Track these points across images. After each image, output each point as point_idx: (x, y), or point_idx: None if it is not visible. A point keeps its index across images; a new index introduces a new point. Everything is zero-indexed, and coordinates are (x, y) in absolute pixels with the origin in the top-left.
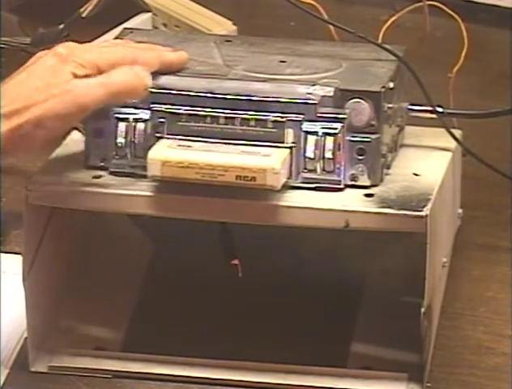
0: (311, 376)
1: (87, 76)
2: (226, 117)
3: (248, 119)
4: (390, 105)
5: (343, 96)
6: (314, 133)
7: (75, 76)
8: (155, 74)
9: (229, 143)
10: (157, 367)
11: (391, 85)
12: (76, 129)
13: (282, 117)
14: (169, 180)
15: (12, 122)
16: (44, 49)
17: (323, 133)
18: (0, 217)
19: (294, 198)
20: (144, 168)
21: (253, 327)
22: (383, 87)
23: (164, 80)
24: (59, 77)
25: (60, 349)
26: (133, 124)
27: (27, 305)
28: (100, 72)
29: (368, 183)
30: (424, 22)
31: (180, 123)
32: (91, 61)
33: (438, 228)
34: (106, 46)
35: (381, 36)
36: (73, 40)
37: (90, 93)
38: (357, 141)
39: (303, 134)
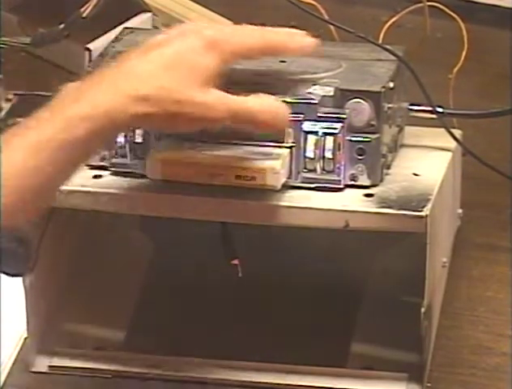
0: (311, 376)
1: (227, 63)
2: None
3: None
4: (390, 105)
5: (343, 96)
6: (314, 133)
7: (217, 68)
8: None
9: (229, 143)
10: (157, 367)
11: (391, 85)
12: None
13: None
14: (169, 180)
15: (140, 108)
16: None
17: (323, 133)
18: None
19: (294, 198)
20: (144, 168)
21: (254, 327)
22: (383, 87)
23: None
24: (201, 68)
25: (60, 349)
26: None
27: (27, 305)
28: (239, 57)
29: (368, 183)
30: (425, 22)
31: None
32: (241, 48)
33: (438, 228)
34: (249, 29)
35: (381, 36)
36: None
37: (227, 117)
38: (357, 141)
39: (303, 133)
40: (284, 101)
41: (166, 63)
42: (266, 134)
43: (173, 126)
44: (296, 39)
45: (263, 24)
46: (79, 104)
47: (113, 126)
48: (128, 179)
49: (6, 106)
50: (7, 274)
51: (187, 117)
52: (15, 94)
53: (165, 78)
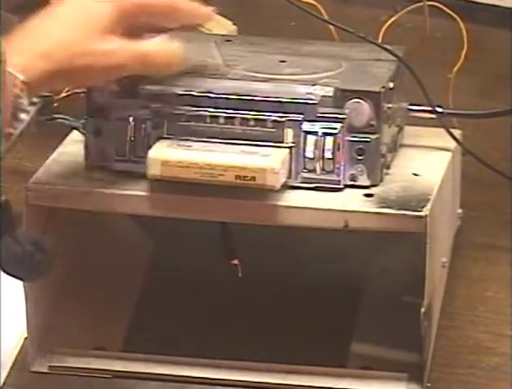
0: (311, 376)
1: (128, 13)
2: (226, 117)
3: (248, 119)
4: (389, 105)
5: (342, 96)
6: (314, 133)
7: (117, 16)
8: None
9: (229, 143)
10: (157, 367)
11: (391, 85)
12: (76, 129)
13: (281, 117)
14: (169, 180)
15: (48, 65)
16: None
17: (323, 133)
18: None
19: (294, 199)
20: (144, 168)
21: (253, 327)
22: (383, 87)
23: (164, 80)
24: (100, 18)
25: (60, 349)
26: (133, 124)
27: (27, 305)
28: (141, 11)
29: (367, 183)
30: (425, 22)
31: (180, 123)
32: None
33: (438, 228)
34: None
35: (381, 36)
36: None
37: (128, 62)
38: (357, 141)
39: (303, 134)
40: (284, 101)
41: (64, 18)
42: (265, 133)
43: (83, 79)
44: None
45: (263, 24)
46: None
47: (28, 82)
48: (128, 179)
49: (32, 109)
50: (19, 278)
51: (92, 68)
52: (40, 96)
53: (64, 32)
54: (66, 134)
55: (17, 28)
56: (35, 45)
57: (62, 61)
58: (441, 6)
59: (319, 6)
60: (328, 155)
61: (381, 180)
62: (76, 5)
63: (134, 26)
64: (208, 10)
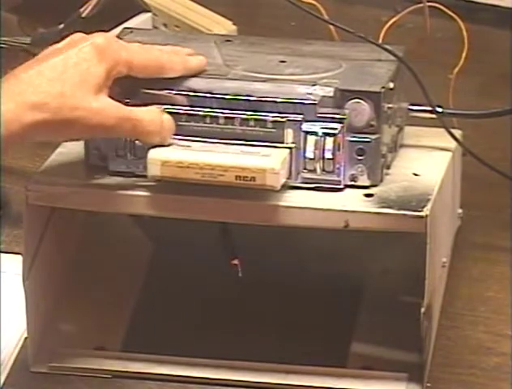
0: (311, 376)
1: (118, 73)
2: (226, 117)
3: (248, 119)
4: (389, 105)
5: (342, 96)
6: (314, 133)
7: (108, 76)
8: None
9: (229, 143)
10: (157, 367)
11: (391, 85)
12: None
13: (282, 118)
14: (169, 180)
15: (37, 115)
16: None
17: (323, 133)
18: (0, 216)
19: (294, 199)
20: (144, 168)
21: (254, 327)
22: (383, 87)
23: (164, 80)
24: (93, 75)
25: (60, 349)
26: None
27: (27, 305)
28: (128, 72)
29: (368, 183)
30: (425, 22)
31: (179, 123)
32: (127, 59)
33: (438, 229)
34: (138, 46)
35: (381, 36)
36: None
37: (116, 125)
38: (357, 141)
39: (303, 134)
40: (284, 101)
41: (58, 71)
42: (265, 134)
43: (68, 133)
44: (188, 60)
45: (263, 24)
46: None
47: (9, 134)
48: (128, 180)
49: None
50: None
51: (81, 124)
52: None
53: (57, 85)
54: None
55: (7, 75)
56: (25, 95)
57: (52, 113)
58: (442, 6)
59: (319, 6)
60: (328, 155)
61: (382, 180)
62: (71, 58)
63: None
64: (199, 59)
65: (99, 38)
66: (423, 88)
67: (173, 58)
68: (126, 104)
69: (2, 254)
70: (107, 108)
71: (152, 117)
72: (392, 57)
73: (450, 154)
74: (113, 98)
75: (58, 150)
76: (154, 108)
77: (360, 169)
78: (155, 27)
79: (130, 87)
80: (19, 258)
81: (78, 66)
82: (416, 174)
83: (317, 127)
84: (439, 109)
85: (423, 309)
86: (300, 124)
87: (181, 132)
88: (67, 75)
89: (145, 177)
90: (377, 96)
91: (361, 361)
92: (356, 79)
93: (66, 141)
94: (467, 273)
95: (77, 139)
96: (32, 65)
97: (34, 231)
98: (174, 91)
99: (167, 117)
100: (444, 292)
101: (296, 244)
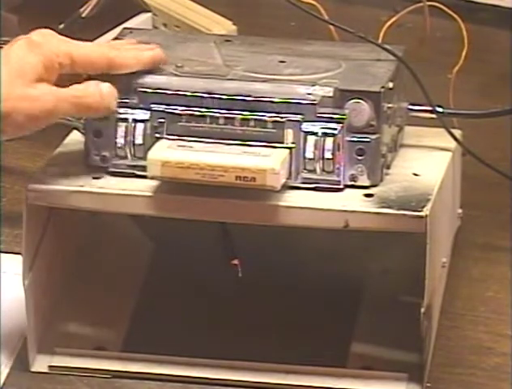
0: (311, 376)
1: (60, 65)
2: (226, 118)
3: (247, 119)
4: (389, 105)
5: (342, 96)
6: (314, 133)
7: (45, 67)
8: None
9: (229, 144)
10: (157, 367)
11: (391, 85)
12: (76, 129)
13: (281, 118)
14: (169, 180)
15: None
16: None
17: (323, 133)
18: (0, 217)
19: (294, 199)
20: (144, 168)
21: (253, 327)
22: (383, 87)
23: (164, 80)
24: (29, 67)
25: (60, 349)
26: (132, 124)
27: (27, 305)
28: (72, 65)
29: (367, 183)
30: (425, 22)
31: (179, 123)
32: (66, 52)
33: (438, 229)
34: (84, 42)
35: (381, 36)
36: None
37: (57, 106)
38: (357, 141)
39: (302, 134)
40: (284, 102)
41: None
42: (265, 134)
43: (8, 125)
44: (142, 54)
45: (263, 24)
46: None
47: None
48: (128, 180)
49: None
50: None
51: (23, 113)
52: None
53: None
54: (66, 134)
55: None
56: None
57: None
58: (442, 6)
59: (319, 6)
60: (328, 155)
61: (382, 180)
62: (7, 52)
63: (71, 76)
64: (154, 52)
65: (34, 34)
66: (423, 88)
67: (124, 54)
68: (124, 103)
69: (2, 254)
70: (46, 93)
71: (89, 90)
72: (392, 57)
73: (450, 154)
74: None
75: (58, 150)
76: (91, 81)
77: (359, 169)
78: (155, 27)
79: (129, 86)
80: (19, 258)
81: (12, 58)
82: (416, 174)
83: (316, 127)
84: (439, 109)
85: (423, 309)
86: (300, 124)
87: (181, 132)
88: (5, 67)
89: (145, 177)
90: (377, 95)
91: (361, 361)
92: (356, 78)
93: (15, 134)
94: (467, 273)
95: (28, 129)
96: None
97: (34, 231)
98: (174, 92)
99: (105, 85)
100: (444, 292)
101: (296, 244)
